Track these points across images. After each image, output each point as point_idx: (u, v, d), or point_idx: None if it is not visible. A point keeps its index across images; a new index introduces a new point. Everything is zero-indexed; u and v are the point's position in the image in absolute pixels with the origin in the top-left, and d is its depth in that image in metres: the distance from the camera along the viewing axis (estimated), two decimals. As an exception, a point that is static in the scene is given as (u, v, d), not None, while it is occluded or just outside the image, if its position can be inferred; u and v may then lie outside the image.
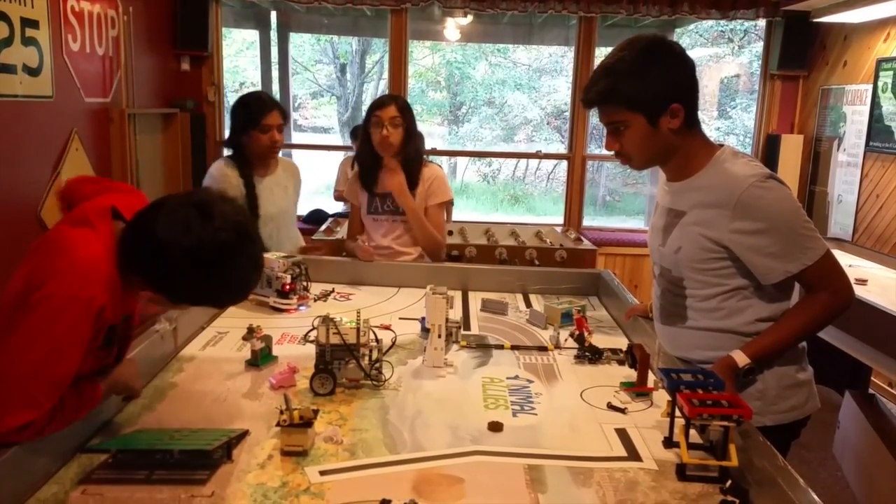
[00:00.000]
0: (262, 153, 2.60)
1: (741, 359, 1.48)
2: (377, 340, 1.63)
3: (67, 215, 1.33)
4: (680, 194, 1.58)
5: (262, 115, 2.55)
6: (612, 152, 1.57)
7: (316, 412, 1.31)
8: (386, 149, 2.54)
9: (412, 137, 2.58)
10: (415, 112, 2.64)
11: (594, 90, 1.51)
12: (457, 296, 2.36)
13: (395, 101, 2.56)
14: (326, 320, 1.59)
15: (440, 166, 2.74)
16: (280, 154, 2.80)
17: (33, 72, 3.16)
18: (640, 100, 1.47)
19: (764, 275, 1.49)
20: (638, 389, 1.58)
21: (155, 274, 1.22)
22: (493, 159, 11.90)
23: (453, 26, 5.51)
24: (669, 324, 1.67)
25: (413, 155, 2.58)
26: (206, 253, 1.18)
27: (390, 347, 1.75)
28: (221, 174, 2.58)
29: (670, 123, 1.49)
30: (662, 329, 1.71)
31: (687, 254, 1.55)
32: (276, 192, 2.66)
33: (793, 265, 1.46)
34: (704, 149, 1.55)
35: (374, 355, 1.61)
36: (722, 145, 1.57)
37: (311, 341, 1.64)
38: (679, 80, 1.49)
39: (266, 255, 2.07)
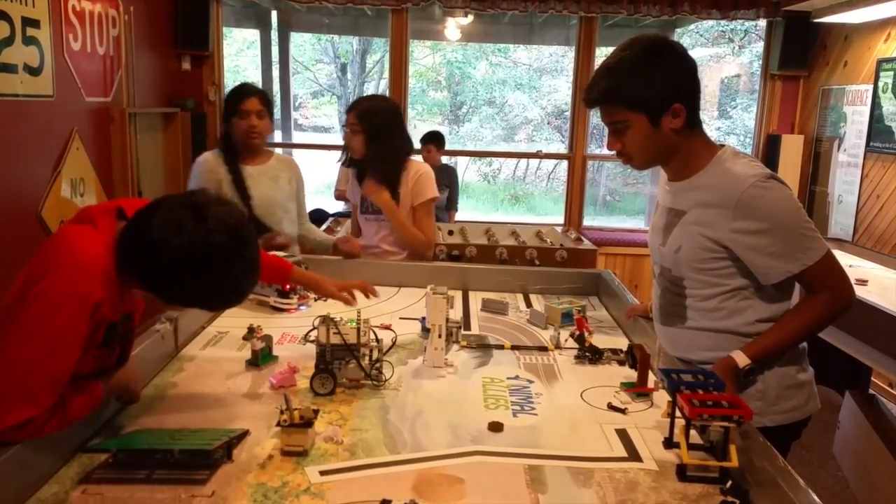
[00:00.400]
0: (243, 139, 2.66)
1: (741, 359, 1.48)
2: (377, 340, 1.63)
3: (75, 214, 1.34)
4: (681, 194, 1.58)
5: (241, 101, 2.63)
6: (613, 152, 1.57)
7: (316, 412, 1.31)
8: (351, 151, 2.64)
9: (374, 142, 2.57)
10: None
11: (596, 90, 1.51)
12: (457, 296, 2.36)
13: (356, 107, 2.60)
14: (327, 320, 1.60)
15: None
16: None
17: (34, 71, 3.16)
18: (642, 100, 1.47)
19: (764, 275, 1.49)
20: (638, 390, 1.58)
21: (146, 272, 1.22)
22: (494, 159, 11.91)
23: (454, 26, 5.51)
24: (669, 324, 1.67)
25: (374, 157, 2.59)
26: (197, 254, 1.18)
27: (391, 347, 1.75)
28: (203, 159, 2.70)
29: (672, 123, 1.49)
30: (662, 329, 1.71)
31: (687, 253, 1.55)
32: (262, 181, 2.69)
33: (793, 265, 1.46)
34: (706, 149, 1.55)
35: (375, 355, 1.61)
36: (723, 145, 1.57)
37: (312, 341, 1.65)
38: (681, 79, 1.49)
39: None
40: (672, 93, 1.47)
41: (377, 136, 2.57)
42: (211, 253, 1.19)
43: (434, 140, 5.04)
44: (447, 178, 5.15)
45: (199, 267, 1.19)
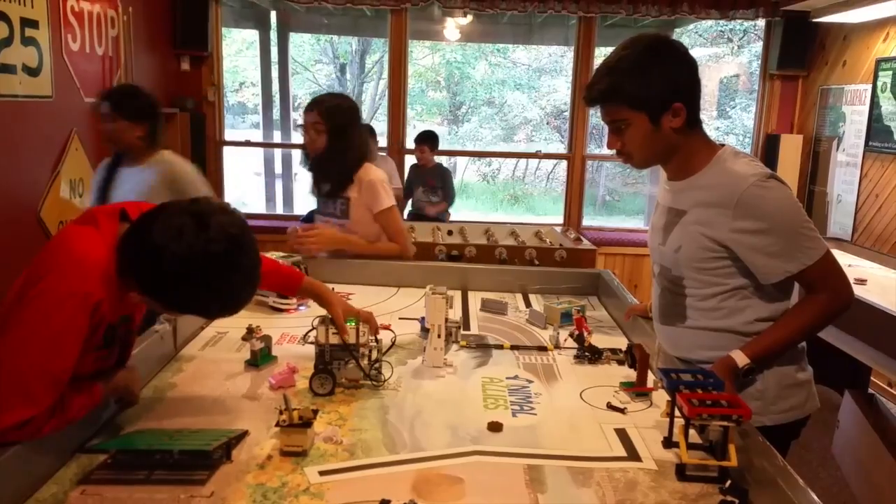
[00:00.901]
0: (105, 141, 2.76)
1: (741, 359, 1.48)
2: (376, 340, 1.63)
3: (80, 216, 1.34)
4: (681, 193, 1.58)
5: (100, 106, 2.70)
6: (612, 151, 1.57)
7: (315, 412, 1.31)
8: (313, 151, 2.59)
9: (337, 140, 2.54)
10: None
11: (596, 88, 1.51)
12: (456, 296, 2.36)
13: (319, 105, 2.55)
14: (325, 320, 1.60)
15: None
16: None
17: (33, 72, 3.16)
18: (642, 98, 1.47)
19: (764, 274, 1.49)
20: (637, 389, 1.58)
21: (144, 276, 1.21)
22: (493, 159, 11.92)
23: (453, 26, 5.51)
24: (669, 323, 1.67)
25: (334, 155, 2.55)
26: (195, 262, 1.17)
27: (390, 347, 1.75)
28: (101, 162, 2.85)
29: (672, 122, 1.49)
30: (662, 329, 1.70)
31: (687, 253, 1.55)
32: (127, 180, 2.69)
33: (792, 265, 1.46)
34: (706, 148, 1.55)
35: (374, 355, 1.61)
36: (723, 145, 1.57)
37: (311, 342, 1.65)
38: (681, 79, 1.49)
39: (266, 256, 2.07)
40: (672, 92, 1.47)
41: (340, 134, 2.54)
42: (209, 261, 1.18)
43: (427, 140, 4.96)
44: (440, 178, 5.03)
45: (197, 274, 1.18)
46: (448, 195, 5.05)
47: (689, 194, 1.56)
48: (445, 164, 5.46)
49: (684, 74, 1.50)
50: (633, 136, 1.51)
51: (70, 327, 1.17)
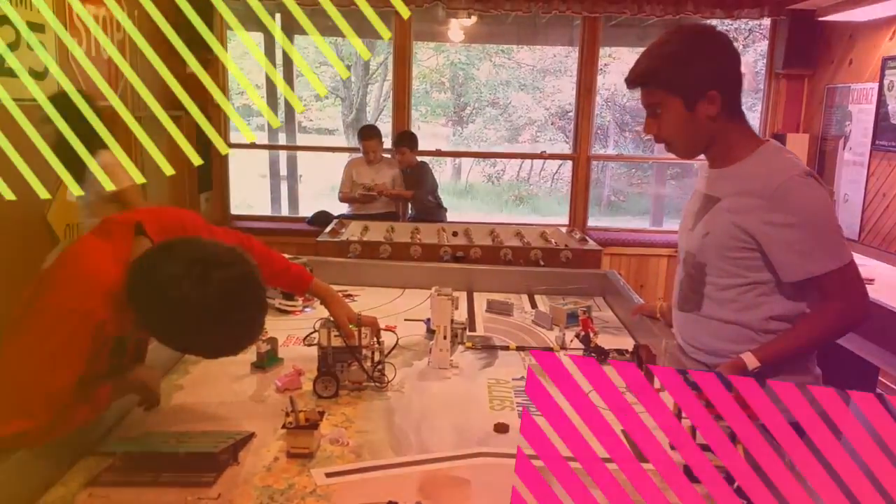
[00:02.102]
0: None
1: (751, 361, 1.47)
2: (379, 342, 1.63)
3: (97, 226, 1.33)
4: (718, 181, 1.58)
5: None
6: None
7: (322, 414, 1.31)
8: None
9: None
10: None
11: (636, 71, 1.54)
12: (462, 297, 2.35)
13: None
14: (327, 323, 1.60)
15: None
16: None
17: (39, 76, 3.17)
18: (679, 83, 1.48)
19: (786, 271, 1.48)
20: (644, 390, 1.58)
21: (141, 309, 1.20)
22: (498, 160, 11.89)
23: (457, 27, 5.51)
24: (684, 310, 1.66)
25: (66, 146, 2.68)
26: (188, 313, 1.16)
27: (392, 349, 1.75)
28: None
29: (707, 110, 1.50)
30: (677, 315, 1.70)
31: (715, 239, 1.55)
32: None
33: (815, 266, 1.45)
34: (747, 139, 1.56)
35: (377, 357, 1.61)
36: (767, 139, 1.57)
37: (313, 344, 1.65)
38: (720, 68, 1.51)
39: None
40: (709, 79, 1.49)
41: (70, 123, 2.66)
42: (202, 315, 1.17)
43: (406, 142, 4.77)
44: (422, 176, 4.78)
45: (189, 324, 1.18)
46: (423, 187, 4.76)
47: (726, 182, 1.56)
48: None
49: (724, 64, 1.52)
50: (668, 121, 1.52)
51: (71, 345, 1.15)
